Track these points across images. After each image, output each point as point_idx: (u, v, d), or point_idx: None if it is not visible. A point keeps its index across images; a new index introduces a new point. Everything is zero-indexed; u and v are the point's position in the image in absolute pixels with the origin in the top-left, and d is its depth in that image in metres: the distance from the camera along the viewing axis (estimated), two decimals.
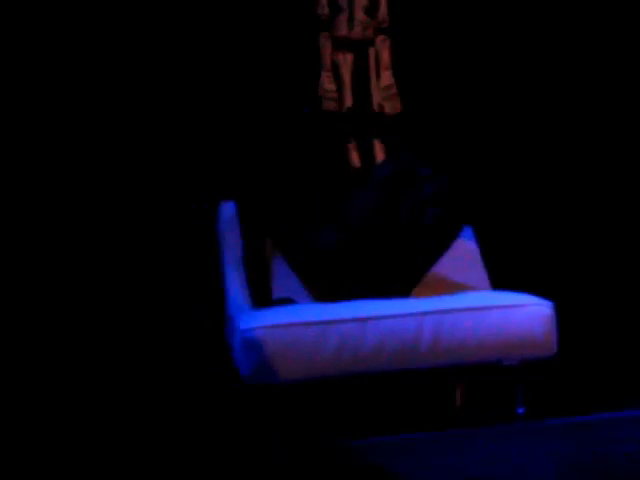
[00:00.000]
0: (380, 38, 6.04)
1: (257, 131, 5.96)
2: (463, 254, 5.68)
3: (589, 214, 6.51)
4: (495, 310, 4.87)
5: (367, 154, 6.15)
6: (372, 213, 5.31)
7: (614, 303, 6.35)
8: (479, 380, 5.29)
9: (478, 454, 4.33)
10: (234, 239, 5.52)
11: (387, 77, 6.01)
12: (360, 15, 6.03)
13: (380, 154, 6.12)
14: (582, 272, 6.33)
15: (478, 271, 5.70)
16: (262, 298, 5.34)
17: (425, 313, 4.77)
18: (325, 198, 5.59)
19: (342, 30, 6.05)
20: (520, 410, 4.89)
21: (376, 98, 6.06)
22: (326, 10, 6.01)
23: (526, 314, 4.87)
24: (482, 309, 4.89)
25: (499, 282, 5.65)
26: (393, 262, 5.27)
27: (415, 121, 6.19)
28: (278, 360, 4.73)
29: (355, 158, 6.13)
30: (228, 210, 5.68)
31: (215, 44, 6.23)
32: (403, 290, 5.20)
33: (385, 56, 6.05)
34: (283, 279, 5.44)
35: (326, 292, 5.29)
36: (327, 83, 6.03)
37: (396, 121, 6.14)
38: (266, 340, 4.71)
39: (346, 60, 6.06)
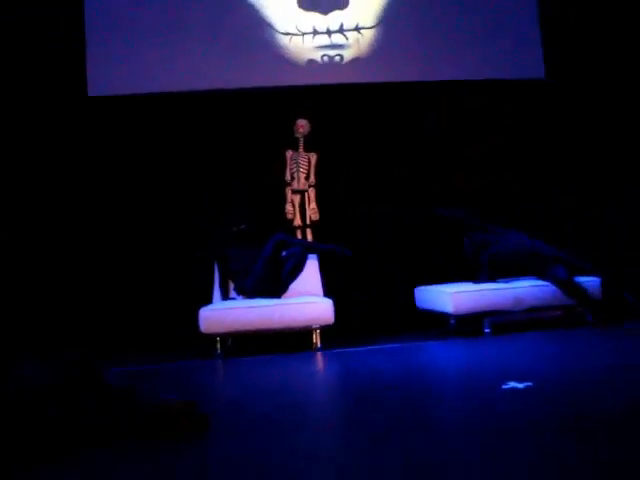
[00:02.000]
0: (311, 189, 6.88)
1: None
2: (311, 275, 6.34)
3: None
4: (308, 304, 5.86)
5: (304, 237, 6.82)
6: (263, 269, 6.00)
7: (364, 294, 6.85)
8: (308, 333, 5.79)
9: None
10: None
11: (313, 205, 6.85)
12: (302, 180, 6.87)
13: (309, 238, 6.84)
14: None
15: (316, 283, 6.36)
16: (225, 297, 6.15)
17: (280, 305, 5.80)
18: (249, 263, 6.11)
19: (295, 185, 6.88)
20: (320, 347, 5.71)
21: (308, 213, 6.86)
22: (289, 178, 6.88)
23: (321, 305, 5.83)
24: (304, 303, 5.85)
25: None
26: (273, 285, 5.99)
27: (325, 224, 6.85)
28: (213, 323, 5.67)
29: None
30: None
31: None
32: (277, 295, 5.98)
33: (312, 196, 6.86)
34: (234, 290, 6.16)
35: (248, 297, 6.01)
36: (289, 207, 6.87)
37: (316, 223, 6.86)
38: (206, 315, 5.66)
39: (296, 197, 6.89)
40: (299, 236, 6.90)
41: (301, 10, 7.05)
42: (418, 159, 7.21)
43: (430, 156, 7.22)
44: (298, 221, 6.96)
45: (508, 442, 2.77)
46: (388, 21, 7.09)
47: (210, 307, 5.87)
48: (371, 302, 6.88)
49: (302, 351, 5.76)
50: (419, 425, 3.13)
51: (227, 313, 5.79)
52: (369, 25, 7.09)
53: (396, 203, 7.06)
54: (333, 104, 7.14)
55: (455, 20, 7.09)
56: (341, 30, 7.05)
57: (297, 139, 7.00)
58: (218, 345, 5.75)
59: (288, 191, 6.99)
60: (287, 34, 7.03)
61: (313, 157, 6.97)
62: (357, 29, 7.06)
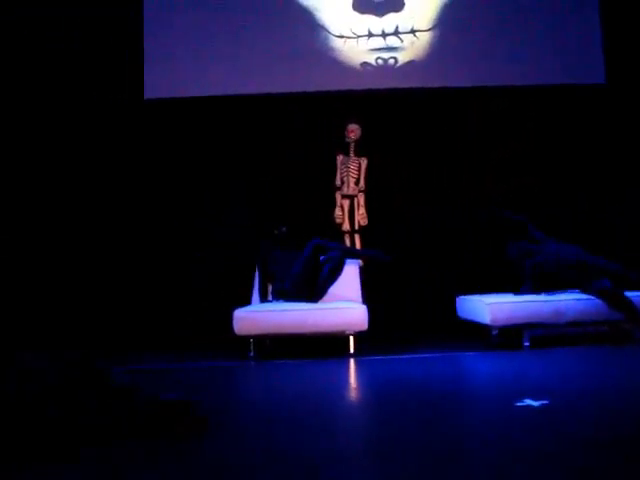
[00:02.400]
0: (360, 194, 6.92)
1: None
2: (350, 280, 6.34)
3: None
4: (342, 309, 5.80)
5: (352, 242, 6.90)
6: (301, 272, 6.02)
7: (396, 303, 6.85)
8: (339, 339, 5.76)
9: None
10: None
11: (362, 210, 6.89)
12: (352, 184, 6.93)
13: (357, 243, 6.90)
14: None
15: (355, 289, 6.35)
16: (263, 299, 6.22)
17: (313, 309, 5.80)
18: (288, 266, 6.14)
19: (344, 190, 6.94)
20: (352, 353, 5.65)
21: (357, 218, 6.91)
22: (339, 182, 6.94)
23: (355, 311, 5.77)
24: (337, 308, 5.79)
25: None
26: (310, 289, 5.97)
27: (373, 229, 6.91)
28: (246, 324, 5.69)
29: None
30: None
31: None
32: (314, 300, 5.95)
33: (361, 201, 6.91)
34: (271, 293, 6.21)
35: (285, 300, 6.02)
36: (338, 212, 6.95)
37: (364, 228, 6.92)
38: (240, 317, 5.67)
39: (346, 202, 6.94)
40: (347, 241, 6.90)
41: (356, 13, 7.05)
42: (470, 165, 7.15)
43: (481, 162, 7.16)
44: (347, 226, 6.98)
45: (512, 461, 2.72)
46: (444, 24, 7.02)
47: (244, 309, 5.89)
48: (413, 309, 6.84)
49: (336, 356, 5.72)
50: (423, 439, 3.11)
51: (261, 315, 5.79)
52: (425, 28, 7.00)
53: (446, 210, 7.05)
54: (384, 109, 7.15)
55: (512, 23, 6.99)
56: (396, 33, 7.02)
57: (348, 144, 7.03)
58: (251, 347, 5.76)
59: (338, 196, 7.03)
60: (341, 37, 7.05)
61: (363, 162, 6.99)
62: (412, 32, 7.00)
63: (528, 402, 3.63)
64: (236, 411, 3.74)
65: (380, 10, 7.00)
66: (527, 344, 5.79)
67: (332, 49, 7.03)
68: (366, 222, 6.95)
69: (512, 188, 6.97)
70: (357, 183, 6.98)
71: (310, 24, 7.05)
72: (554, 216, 6.69)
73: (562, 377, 4.63)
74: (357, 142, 6.99)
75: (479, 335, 6.13)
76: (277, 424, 3.45)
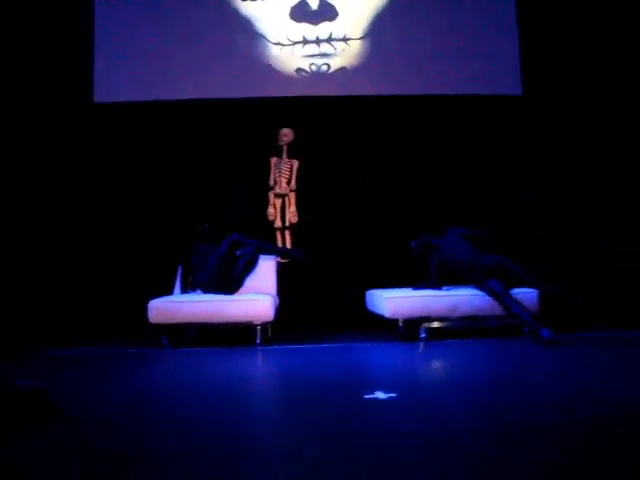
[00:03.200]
0: (291, 193, 7.17)
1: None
2: (266, 273, 6.49)
3: None
4: (247, 301, 5.93)
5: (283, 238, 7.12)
6: (216, 265, 6.14)
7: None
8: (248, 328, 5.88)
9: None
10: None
11: (292, 208, 7.14)
12: (283, 184, 7.19)
13: (288, 238, 7.11)
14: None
15: (271, 282, 6.51)
16: (185, 290, 6.33)
17: (221, 301, 5.89)
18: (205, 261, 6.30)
19: (277, 190, 7.18)
20: (258, 342, 5.81)
21: (288, 216, 7.14)
22: (272, 182, 7.19)
23: (262, 302, 5.91)
24: (244, 300, 5.94)
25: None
26: (227, 282, 6.08)
27: (303, 226, 7.13)
28: (159, 314, 5.83)
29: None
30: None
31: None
32: (231, 291, 6.08)
33: (292, 200, 7.16)
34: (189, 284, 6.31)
35: (202, 291, 6.12)
36: (271, 210, 7.19)
37: (295, 225, 7.15)
38: (154, 307, 5.82)
39: (278, 201, 7.20)
40: (279, 237, 7.13)
41: (292, 21, 7.28)
42: (393, 168, 7.39)
43: (405, 165, 7.38)
44: (279, 223, 7.21)
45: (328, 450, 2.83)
46: (374, 34, 7.26)
47: (159, 299, 6.00)
48: (331, 302, 7.03)
49: (242, 345, 5.86)
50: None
51: (173, 306, 5.95)
52: (356, 36, 7.23)
53: (369, 209, 7.28)
54: (316, 114, 7.41)
55: (438, 37, 7.24)
56: (329, 40, 7.23)
57: (281, 146, 7.30)
58: (165, 335, 5.89)
59: (271, 195, 7.28)
60: (278, 44, 7.27)
61: (295, 163, 7.27)
62: (344, 39, 7.22)
63: (377, 394, 3.69)
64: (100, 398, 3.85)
65: (315, 18, 7.25)
66: (423, 336, 5.92)
67: (270, 56, 7.28)
68: (296, 219, 7.20)
69: (430, 190, 7.24)
70: (289, 183, 7.24)
71: (251, 33, 7.30)
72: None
73: (430, 370, 4.77)
74: (289, 145, 7.24)
75: (389, 327, 6.16)
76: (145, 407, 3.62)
